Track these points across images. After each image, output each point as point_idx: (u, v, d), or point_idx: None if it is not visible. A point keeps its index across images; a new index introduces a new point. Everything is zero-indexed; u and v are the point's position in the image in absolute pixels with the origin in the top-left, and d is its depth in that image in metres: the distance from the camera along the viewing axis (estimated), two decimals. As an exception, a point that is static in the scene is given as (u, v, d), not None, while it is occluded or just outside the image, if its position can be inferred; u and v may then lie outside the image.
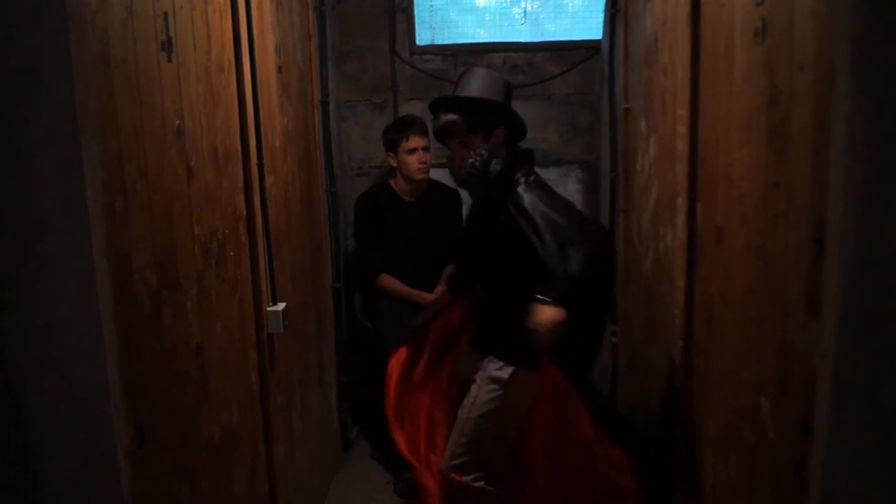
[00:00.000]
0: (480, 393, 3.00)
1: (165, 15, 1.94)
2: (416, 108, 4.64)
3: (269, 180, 2.83)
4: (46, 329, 1.51)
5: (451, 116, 3.00)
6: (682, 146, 2.52)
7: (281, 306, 2.82)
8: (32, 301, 1.50)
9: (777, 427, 1.77)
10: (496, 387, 2.97)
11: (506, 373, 2.95)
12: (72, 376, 1.53)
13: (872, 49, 1.28)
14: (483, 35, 4.73)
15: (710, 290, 2.31)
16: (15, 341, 1.51)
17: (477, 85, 3.01)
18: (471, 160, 2.91)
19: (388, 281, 4.23)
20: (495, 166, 2.88)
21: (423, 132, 4.15)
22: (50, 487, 1.56)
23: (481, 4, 4.75)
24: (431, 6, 4.69)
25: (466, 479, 3.01)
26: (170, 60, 1.97)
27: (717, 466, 2.27)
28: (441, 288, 4.23)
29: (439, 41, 4.72)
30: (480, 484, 3.02)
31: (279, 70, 3.18)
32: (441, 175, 4.57)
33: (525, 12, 4.67)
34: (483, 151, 2.90)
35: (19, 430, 1.54)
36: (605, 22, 4.29)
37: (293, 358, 3.24)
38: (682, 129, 2.50)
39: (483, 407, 2.99)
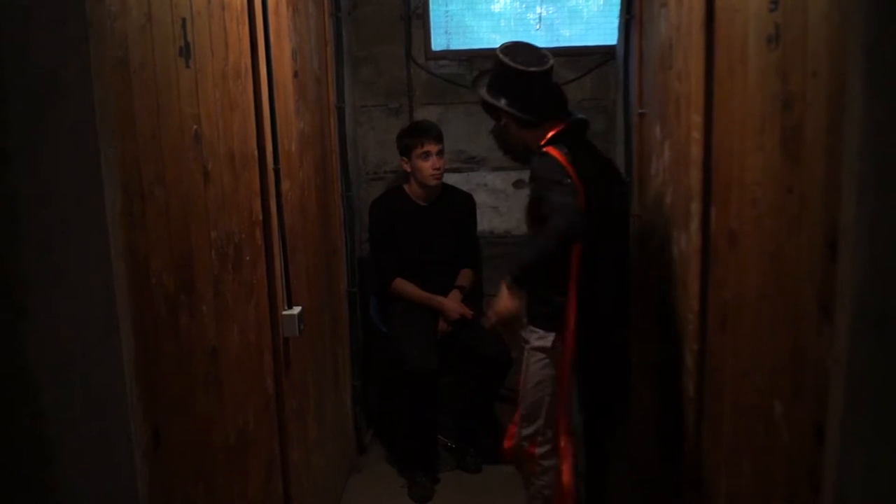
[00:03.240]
0: (530, 364, 3.17)
1: (183, 21, 1.96)
2: (431, 112, 4.66)
3: (285, 185, 2.84)
4: (64, 332, 1.53)
5: None
6: (696, 151, 2.52)
7: (296, 310, 2.83)
8: (51, 305, 1.52)
9: (791, 431, 1.77)
10: (542, 355, 3.11)
11: (548, 341, 3.09)
12: (89, 379, 1.54)
13: (885, 55, 1.29)
14: (498, 40, 4.71)
15: (724, 294, 2.31)
16: (33, 345, 1.53)
17: (487, 78, 3.24)
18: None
19: (402, 285, 4.24)
20: (506, 147, 3.25)
21: (438, 138, 4.16)
22: (68, 489, 1.58)
23: (497, 10, 4.76)
24: (447, 12, 4.71)
25: (538, 450, 3.20)
26: (187, 66, 1.99)
27: (731, 471, 2.27)
28: (455, 293, 4.25)
29: (455, 46, 4.73)
30: (549, 461, 3.20)
31: (295, 75, 3.20)
32: (456, 179, 4.58)
33: (540, 18, 4.68)
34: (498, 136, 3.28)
35: (37, 432, 1.56)
36: (619, 27, 4.29)
37: (308, 362, 3.26)
38: (697, 135, 2.50)
39: (535, 376, 3.15)
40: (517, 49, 3.17)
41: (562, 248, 2.86)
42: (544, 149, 3.01)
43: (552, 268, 2.98)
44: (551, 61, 3.13)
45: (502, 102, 3.12)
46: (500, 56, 3.12)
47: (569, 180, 2.89)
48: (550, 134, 3.05)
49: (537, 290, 3.11)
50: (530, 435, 3.21)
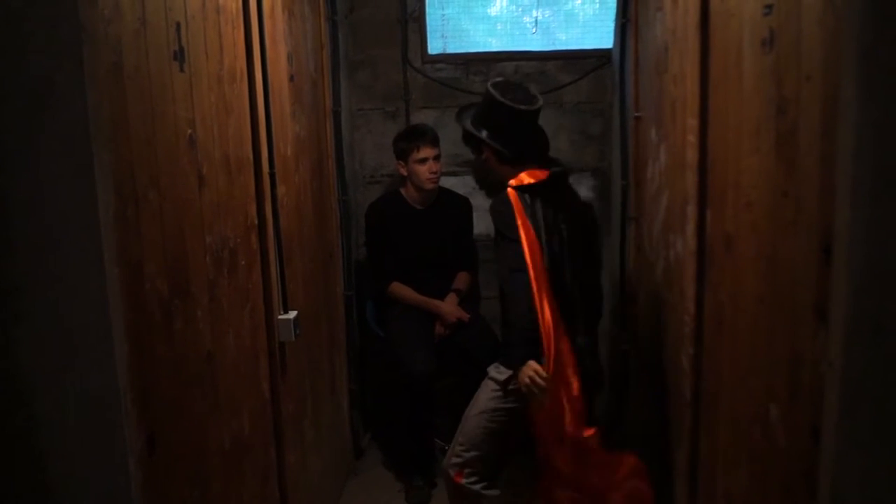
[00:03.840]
0: (482, 392, 3.17)
1: (178, 25, 1.96)
2: (428, 116, 4.65)
3: (280, 189, 2.84)
4: (59, 337, 1.52)
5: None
6: (691, 154, 2.52)
7: (292, 314, 2.83)
8: (45, 310, 1.52)
9: (787, 434, 1.77)
10: (496, 387, 3.11)
11: (503, 375, 3.07)
12: (84, 384, 1.54)
13: (879, 59, 1.29)
14: (495, 44, 4.74)
15: (720, 297, 2.31)
16: (27, 349, 1.53)
17: (476, 108, 3.25)
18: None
19: (399, 289, 4.24)
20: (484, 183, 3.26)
21: (434, 142, 4.15)
22: (62, 494, 1.57)
23: (493, 13, 4.76)
24: (443, 15, 4.70)
25: (465, 480, 3.18)
26: (182, 70, 1.99)
27: (727, 474, 2.27)
28: (452, 296, 4.25)
29: (451, 50, 4.72)
30: (475, 487, 3.19)
31: (291, 79, 3.20)
32: (453, 183, 4.58)
33: (536, 21, 4.68)
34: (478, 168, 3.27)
35: (32, 437, 1.55)
36: (615, 31, 4.29)
37: (305, 366, 3.25)
38: (692, 138, 2.51)
39: (482, 405, 3.14)
40: (508, 86, 3.19)
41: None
42: (508, 188, 3.02)
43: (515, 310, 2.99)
44: (540, 103, 3.15)
45: (483, 134, 3.14)
46: (490, 90, 3.13)
47: (516, 235, 2.94)
48: (526, 181, 3.04)
49: (503, 329, 3.16)
50: (459, 464, 3.19)
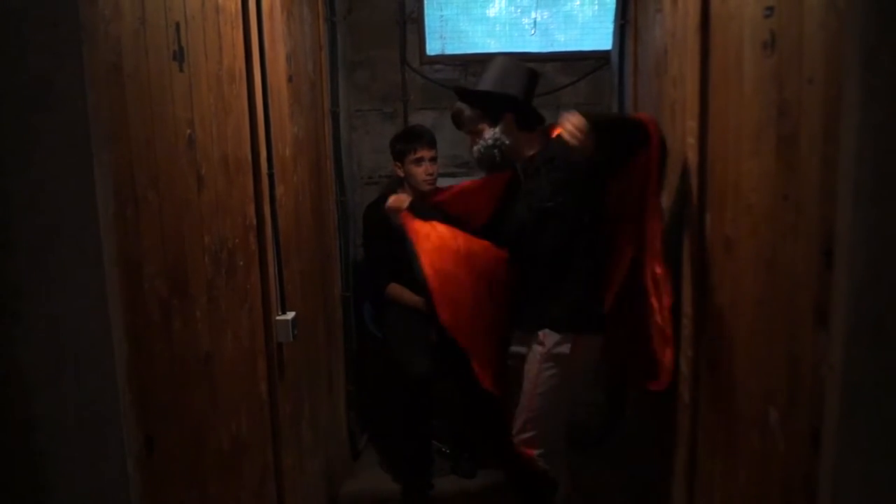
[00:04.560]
0: (541, 370, 3.13)
1: (177, 25, 1.95)
2: (426, 117, 4.65)
3: (279, 189, 2.83)
4: (57, 338, 1.52)
5: (459, 107, 3.28)
6: (691, 157, 2.52)
7: (290, 315, 2.82)
8: (43, 310, 1.51)
9: (786, 438, 1.77)
10: (552, 363, 3.11)
11: (566, 348, 3.09)
12: (82, 385, 1.53)
13: (882, 62, 1.29)
14: (493, 45, 4.74)
15: (719, 300, 2.31)
16: (25, 350, 1.52)
17: (489, 77, 3.19)
18: (476, 146, 3.20)
19: (396, 290, 4.23)
20: (500, 149, 3.15)
21: (431, 143, 4.15)
22: (59, 496, 1.57)
23: (492, 15, 4.76)
24: (442, 16, 4.71)
25: (537, 453, 3.18)
26: (181, 70, 1.98)
27: (726, 477, 2.26)
28: None
29: (449, 51, 4.73)
30: (543, 462, 3.21)
31: (290, 80, 3.19)
32: (450, 184, 4.57)
33: (535, 23, 4.68)
34: (489, 139, 3.16)
35: (29, 438, 1.55)
36: (614, 33, 4.29)
37: (302, 367, 3.25)
38: (692, 140, 2.50)
39: (546, 384, 3.13)
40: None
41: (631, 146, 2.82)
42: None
43: (595, 272, 3.06)
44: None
45: (515, 96, 3.12)
46: (511, 60, 3.23)
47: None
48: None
49: (569, 294, 3.11)
50: (528, 439, 3.19)
